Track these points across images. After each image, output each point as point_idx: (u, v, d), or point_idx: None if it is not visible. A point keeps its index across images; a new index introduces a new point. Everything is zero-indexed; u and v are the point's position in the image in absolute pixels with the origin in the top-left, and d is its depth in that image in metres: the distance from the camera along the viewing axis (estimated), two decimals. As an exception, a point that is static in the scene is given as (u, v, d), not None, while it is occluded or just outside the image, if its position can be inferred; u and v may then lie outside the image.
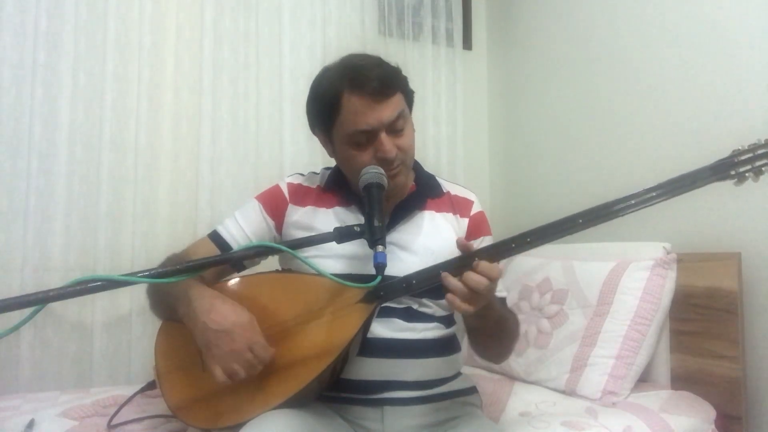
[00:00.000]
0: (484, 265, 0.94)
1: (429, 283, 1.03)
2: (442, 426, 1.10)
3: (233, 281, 1.12)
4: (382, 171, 1.07)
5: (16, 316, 0.72)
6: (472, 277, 0.93)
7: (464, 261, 0.97)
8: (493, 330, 1.11)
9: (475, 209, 1.27)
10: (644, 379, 1.58)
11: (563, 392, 1.53)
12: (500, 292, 1.21)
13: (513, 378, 1.71)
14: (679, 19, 1.73)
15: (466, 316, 1.03)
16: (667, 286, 1.55)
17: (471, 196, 1.30)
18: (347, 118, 1.09)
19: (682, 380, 1.57)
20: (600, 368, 1.49)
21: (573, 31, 2.15)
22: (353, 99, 1.07)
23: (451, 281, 0.95)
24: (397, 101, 1.11)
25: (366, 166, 1.08)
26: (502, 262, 1.04)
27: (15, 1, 1.71)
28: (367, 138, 1.09)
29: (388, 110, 1.08)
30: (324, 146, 1.23)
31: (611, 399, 1.44)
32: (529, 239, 0.98)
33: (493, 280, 0.94)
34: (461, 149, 2.38)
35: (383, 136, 1.09)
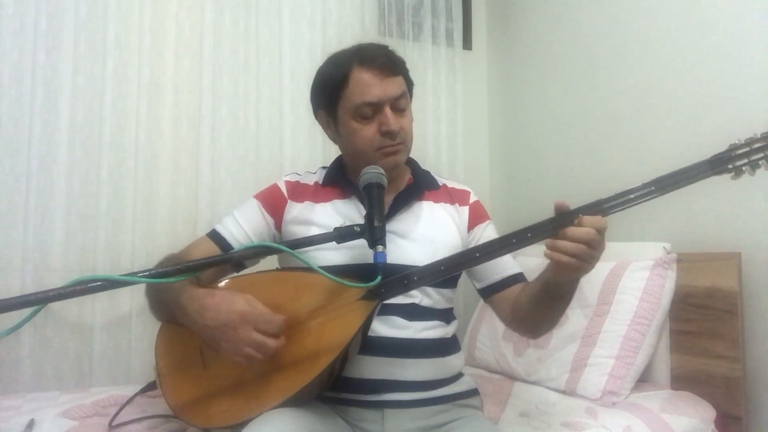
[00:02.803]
0: (588, 218, 0.91)
1: (431, 279, 1.03)
2: (443, 428, 1.10)
3: (233, 281, 1.12)
4: (382, 171, 1.08)
5: (16, 316, 0.72)
6: (580, 230, 0.90)
7: (561, 221, 0.93)
8: (573, 294, 1.06)
9: (473, 198, 1.32)
10: (644, 379, 1.58)
11: (563, 392, 1.53)
12: (514, 268, 1.23)
13: (513, 378, 1.71)
14: (677, 16, 1.74)
15: (570, 280, 0.99)
16: (667, 286, 1.55)
17: (467, 188, 1.34)
18: (355, 91, 1.14)
19: (682, 380, 1.57)
20: (600, 368, 1.49)
21: (573, 30, 2.15)
22: (362, 72, 1.14)
23: (566, 244, 0.91)
24: (401, 81, 1.18)
25: (370, 140, 1.13)
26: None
27: (15, 1, 1.71)
28: (373, 111, 1.14)
29: (393, 86, 1.15)
30: (326, 129, 1.26)
31: (611, 399, 1.44)
32: (529, 234, 0.97)
33: (601, 232, 0.91)
34: (461, 149, 2.38)
35: (387, 109, 1.14)
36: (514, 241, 0.98)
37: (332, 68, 1.18)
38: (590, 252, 0.92)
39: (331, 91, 1.17)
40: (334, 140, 1.26)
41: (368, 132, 1.15)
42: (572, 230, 0.91)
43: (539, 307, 1.09)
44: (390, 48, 1.20)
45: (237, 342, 0.96)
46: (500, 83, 2.55)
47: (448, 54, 2.39)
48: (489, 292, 1.25)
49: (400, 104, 1.16)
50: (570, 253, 0.91)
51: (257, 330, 0.96)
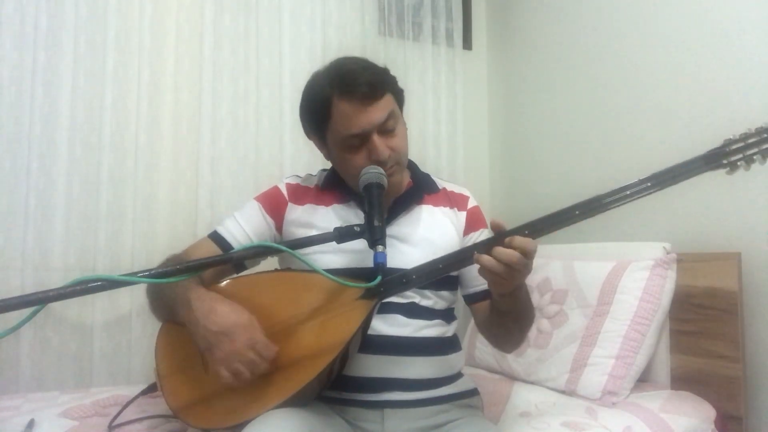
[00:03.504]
0: (519, 240, 0.92)
1: (429, 277, 1.04)
2: (443, 428, 1.10)
3: (233, 281, 1.12)
4: (382, 171, 1.08)
5: (16, 316, 0.72)
6: (505, 251, 0.91)
7: (495, 242, 0.94)
8: (521, 312, 1.09)
9: (471, 204, 1.31)
10: (644, 379, 1.58)
11: (563, 392, 1.53)
12: None
13: (513, 378, 1.71)
14: (673, 13, 1.74)
15: (500, 297, 1.02)
16: (667, 286, 1.55)
17: (466, 192, 1.34)
18: (339, 123, 1.11)
19: (682, 380, 1.56)
20: (600, 368, 1.49)
21: (572, 30, 2.15)
22: (343, 104, 1.10)
23: (486, 260, 0.92)
24: (386, 102, 1.13)
25: (362, 168, 1.10)
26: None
27: (15, 1, 1.71)
28: (360, 140, 1.11)
29: (378, 112, 1.10)
30: (320, 150, 1.25)
31: (611, 399, 1.44)
32: (526, 231, 0.97)
33: (527, 255, 0.92)
34: (461, 149, 2.38)
35: (375, 137, 1.11)
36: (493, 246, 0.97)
37: (314, 98, 1.15)
38: (511, 273, 0.92)
39: (316, 122, 1.16)
40: (328, 160, 1.25)
41: (359, 161, 1.12)
42: (497, 249, 0.92)
43: (493, 323, 1.15)
44: (370, 65, 1.15)
45: (230, 354, 0.96)
46: (500, 83, 2.55)
47: (448, 54, 2.39)
48: (470, 301, 1.26)
49: (387, 126, 1.12)
50: (490, 268, 0.92)
51: (254, 350, 0.97)
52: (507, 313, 1.08)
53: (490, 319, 1.17)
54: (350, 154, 1.13)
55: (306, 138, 2.06)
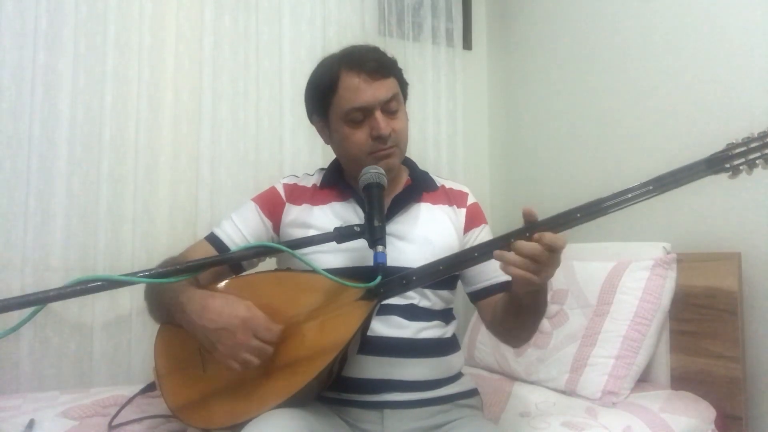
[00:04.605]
0: (547, 235, 0.91)
1: (429, 279, 1.03)
2: (442, 428, 1.10)
3: (231, 282, 1.12)
4: (383, 171, 1.07)
5: (16, 316, 0.72)
6: (532, 246, 0.90)
7: (520, 235, 0.93)
8: (540, 306, 1.07)
9: (471, 200, 1.31)
10: (644, 379, 1.58)
11: (563, 392, 1.53)
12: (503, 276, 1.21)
13: (513, 378, 1.71)
14: (675, 16, 1.74)
15: (524, 292, 0.99)
16: (667, 286, 1.55)
17: (465, 189, 1.34)
18: (344, 96, 1.13)
19: (682, 380, 1.56)
20: (600, 368, 1.49)
21: (572, 30, 2.15)
22: (350, 77, 1.13)
23: (511, 256, 0.90)
24: (391, 84, 1.16)
25: (362, 146, 1.13)
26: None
27: (15, 1, 1.71)
28: (363, 115, 1.13)
29: (383, 89, 1.13)
30: (321, 133, 1.26)
31: (611, 399, 1.44)
32: (528, 233, 0.95)
33: (555, 251, 0.90)
34: (461, 149, 2.38)
35: (378, 113, 1.13)
36: (513, 240, 0.97)
37: (321, 74, 1.18)
38: (536, 267, 0.90)
39: (321, 97, 1.17)
40: (329, 144, 1.26)
41: (359, 137, 1.14)
42: (520, 244, 0.91)
43: (508, 318, 1.11)
44: (380, 49, 1.19)
45: (235, 346, 0.96)
46: (500, 83, 2.55)
47: (448, 54, 2.39)
48: (475, 298, 1.25)
49: (390, 107, 1.14)
50: (517, 265, 0.90)
51: (256, 337, 0.97)
52: (527, 306, 1.05)
53: (504, 314, 1.13)
54: (352, 129, 1.14)
55: (306, 138, 2.08)
